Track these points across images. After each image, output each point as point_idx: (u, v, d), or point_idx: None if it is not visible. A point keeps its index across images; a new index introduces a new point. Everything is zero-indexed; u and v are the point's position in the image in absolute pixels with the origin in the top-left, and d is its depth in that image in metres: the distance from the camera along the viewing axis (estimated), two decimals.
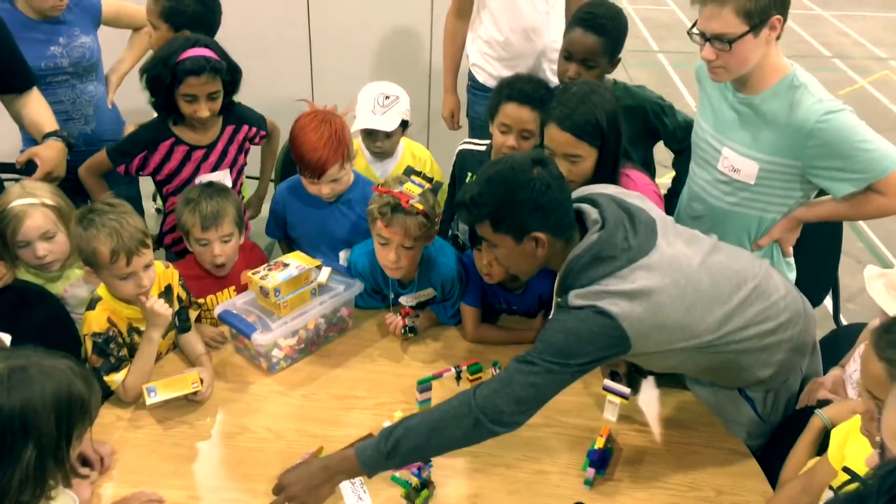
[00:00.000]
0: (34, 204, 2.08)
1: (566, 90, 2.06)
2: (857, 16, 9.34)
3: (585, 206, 1.78)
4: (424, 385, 1.98)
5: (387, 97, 2.52)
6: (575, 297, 1.67)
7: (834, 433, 1.59)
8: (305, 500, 1.65)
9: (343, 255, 2.44)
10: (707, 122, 2.17)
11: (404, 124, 2.60)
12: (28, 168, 2.28)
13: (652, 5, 9.34)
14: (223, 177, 2.50)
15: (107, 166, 2.47)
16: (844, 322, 3.04)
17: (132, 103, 2.88)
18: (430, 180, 2.12)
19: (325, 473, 1.67)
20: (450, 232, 2.63)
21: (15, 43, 2.34)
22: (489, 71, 2.93)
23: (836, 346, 2.22)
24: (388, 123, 2.51)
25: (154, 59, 2.34)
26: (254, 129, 2.59)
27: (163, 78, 2.27)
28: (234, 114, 2.51)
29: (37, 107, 2.41)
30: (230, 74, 2.36)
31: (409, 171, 2.16)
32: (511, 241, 1.72)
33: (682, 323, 1.69)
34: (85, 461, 1.79)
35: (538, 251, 1.72)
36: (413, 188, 2.10)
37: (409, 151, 2.71)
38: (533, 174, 1.67)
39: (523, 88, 2.24)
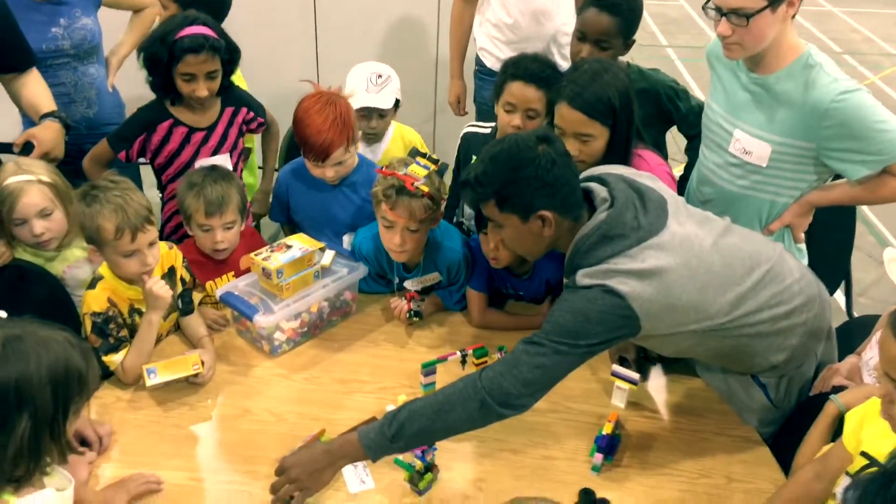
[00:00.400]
0: (30, 181, 2.04)
1: (577, 68, 2.02)
2: (868, 12, 9.27)
3: (594, 185, 1.74)
4: (429, 368, 1.95)
5: (379, 76, 2.50)
6: (583, 277, 1.63)
7: (848, 417, 1.55)
8: (307, 483, 1.61)
9: (347, 239, 2.40)
10: (718, 103, 2.13)
11: (396, 104, 2.56)
12: (25, 149, 2.25)
13: (661, 0, 9.28)
14: (223, 160, 2.46)
15: (109, 155, 2.44)
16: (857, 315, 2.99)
17: (134, 89, 2.84)
18: (435, 162, 2.08)
19: (328, 457, 1.63)
20: (454, 219, 2.59)
21: (15, 21, 2.31)
22: (497, 55, 2.89)
23: (850, 336, 2.17)
24: (385, 101, 2.48)
25: (152, 36, 2.31)
26: (252, 114, 2.55)
27: (161, 56, 2.24)
28: (232, 96, 2.48)
29: (35, 87, 2.38)
30: (229, 53, 2.33)
31: (415, 153, 2.11)
32: (517, 220, 1.68)
33: (694, 304, 1.65)
34: (83, 441, 1.76)
35: (545, 230, 1.68)
36: (418, 170, 2.06)
37: (399, 135, 2.68)
38: (538, 151, 1.64)
39: (529, 67, 2.21)
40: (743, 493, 1.76)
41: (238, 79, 2.70)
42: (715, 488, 1.77)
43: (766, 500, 1.70)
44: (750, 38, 1.89)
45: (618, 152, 2.00)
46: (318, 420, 1.89)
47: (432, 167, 2.07)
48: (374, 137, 2.58)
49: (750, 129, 2.03)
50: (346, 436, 1.67)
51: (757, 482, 1.78)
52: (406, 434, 1.61)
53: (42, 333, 1.30)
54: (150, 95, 2.44)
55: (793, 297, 1.77)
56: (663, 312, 1.63)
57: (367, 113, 2.52)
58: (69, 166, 2.35)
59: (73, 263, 2.17)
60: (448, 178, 2.47)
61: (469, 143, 2.49)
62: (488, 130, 2.46)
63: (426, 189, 2.04)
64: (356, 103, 2.45)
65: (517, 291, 2.31)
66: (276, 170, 2.86)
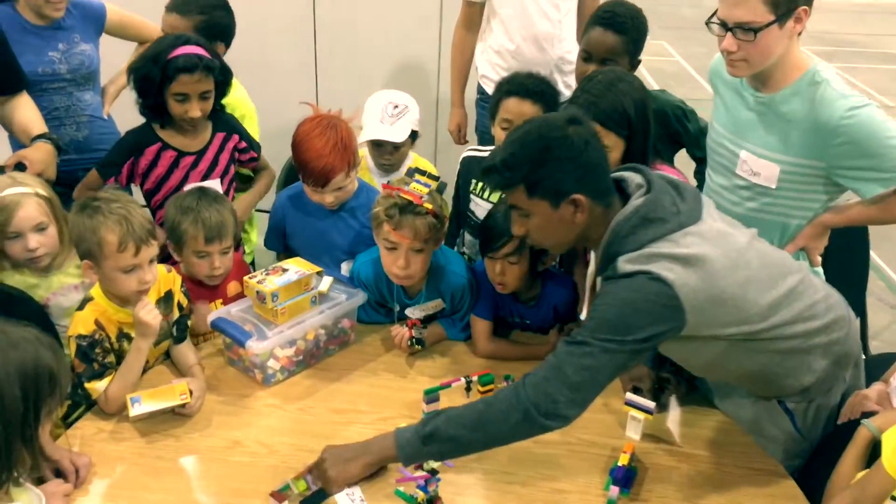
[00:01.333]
0: (27, 194, 1.96)
1: (591, 78, 1.97)
2: (864, 68, 9.38)
3: (627, 174, 1.65)
4: (432, 396, 1.83)
5: (395, 106, 2.44)
6: (625, 263, 1.53)
7: (886, 438, 1.43)
8: (331, 470, 1.59)
9: (345, 267, 2.31)
10: (722, 124, 2.07)
11: (413, 136, 2.51)
12: (17, 171, 2.18)
13: (658, 57, 9.41)
14: (214, 185, 2.38)
15: (99, 183, 2.37)
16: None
17: (132, 120, 2.80)
18: (436, 179, 2.01)
19: (360, 449, 1.62)
20: (455, 249, 2.51)
21: (8, 44, 2.27)
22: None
23: (869, 373, 2.06)
24: (398, 134, 2.42)
25: (143, 57, 2.25)
26: (244, 143, 2.48)
27: (153, 76, 2.18)
28: (223, 121, 2.42)
29: (27, 110, 2.33)
30: (222, 75, 2.28)
31: (413, 171, 2.04)
32: (547, 206, 1.58)
33: (737, 299, 1.56)
34: (58, 472, 1.64)
35: (577, 216, 1.58)
36: (419, 188, 1.99)
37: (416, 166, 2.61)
38: (569, 132, 1.55)
39: (524, 83, 2.19)
40: None
41: (245, 107, 2.65)
42: None
43: None
44: (756, 53, 1.84)
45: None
46: (313, 452, 1.74)
47: (433, 184, 1.99)
48: (390, 168, 2.52)
49: (756, 149, 1.96)
50: (384, 433, 1.61)
51: None
52: (440, 438, 1.54)
53: (9, 331, 1.22)
54: None
55: (825, 311, 1.68)
56: (707, 305, 1.53)
57: (381, 145, 2.45)
58: (62, 195, 2.27)
59: (58, 290, 2.07)
60: (448, 205, 2.37)
61: (468, 169, 2.42)
62: (487, 154, 2.39)
63: (430, 206, 1.96)
64: (369, 134, 2.40)
65: (524, 320, 2.20)
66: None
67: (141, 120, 2.38)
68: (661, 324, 1.52)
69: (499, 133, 2.24)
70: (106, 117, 2.70)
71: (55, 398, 1.26)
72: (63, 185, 2.28)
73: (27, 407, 1.21)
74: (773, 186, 1.95)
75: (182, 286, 2.04)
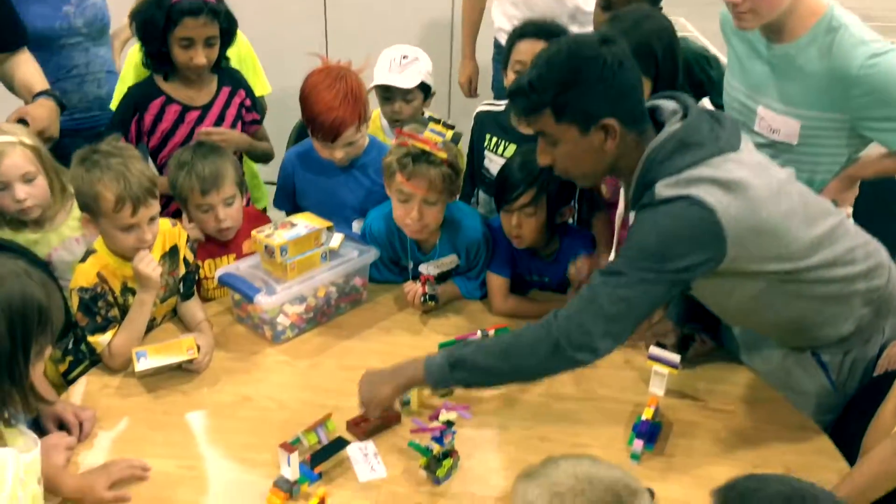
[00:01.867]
0: (12, 143, 1.89)
1: (616, 16, 1.88)
2: None
3: (660, 101, 1.57)
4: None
5: (405, 56, 2.36)
6: (663, 188, 1.45)
7: None
8: (365, 394, 1.59)
9: (357, 225, 2.23)
10: (738, 79, 1.96)
11: (426, 90, 2.43)
12: None
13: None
14: None
15: None
16: None
17: None
18: (450, 127, 1.93)
19: (391, 373, 1.60)
20: None
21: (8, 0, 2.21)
22: None
23: None
24: (407, 81, 2.34)
25: (146, 1, 2.18)
26: (249, 101, 2.40)
27: (156, 20, 2.10)
28: (229, 74, 2.34)
29: (28, 67, 2.26)
30: (227, 22, 2.19)
31: (427, 120, 1.96)
32: (576, 132, 1.48)
33: (779, 231, 1.48)
34: (61, 425, 1.59)
35: (607, 143, 1.49)
36: (433, 137, 1.91)
37: None
38: (601, 51, 1.45)
39: (535, 23, 2.12)
40: None
41: (252, 62, 2.57)
42: None
43: (831, 488, 1.49)
44: (763, 3, 1.72)
45: None
46: (324, 407, 1.68)
47: (448, 133, 1.92)
48: (398, 126, 2.42)
49: (774, 104, 1.86)
50: (415, 358, 1.59)
51: (819, 472, 1.56)
52: (467, 365, 1.50)
53: None
54: None
55: (866, 257, 1.60)
56: (749, 236, 1.44)
57: (390, 95, 2.36)
58: (63, 148, 2.22)
59: (59, 245, 2.01)
60: (464, 156, 2.29)
61: (482, 123, 2.34)
62: (502, 107, 2.32)
63: (444, 155, 1.89)
64: (377, 80, 2.31)
65: (542, 277, 2.13)
66: None
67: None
68: (701, 252, 1.44)
69: (512, 79, 2.16)
70: (118, 70, 2.63)
71: (46, 335, 1.20)
72: (67, 142, 2.23)
73: (14, 345, 1.15)
74: (795, 143, 1.85)
75: (188, 241, 1.98)
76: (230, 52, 2.38)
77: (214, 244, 2.14)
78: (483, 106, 2.39)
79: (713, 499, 1.07)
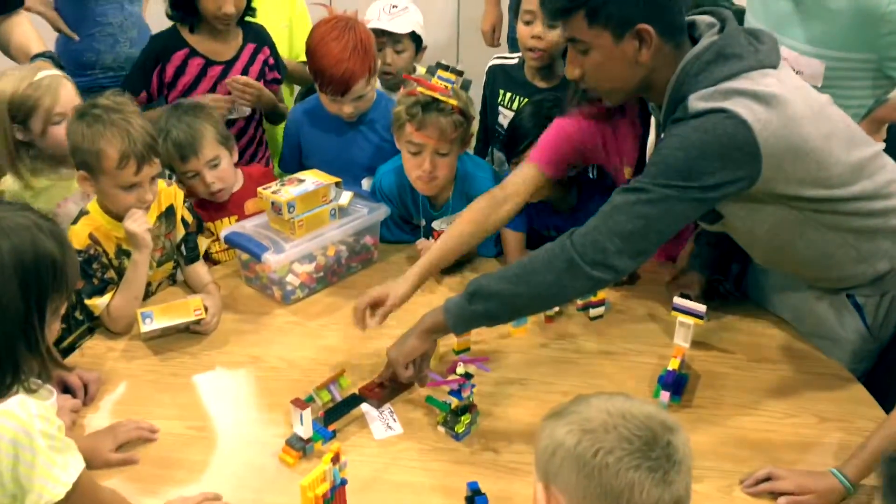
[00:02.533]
0: (62, 76, 1.86)
1: None
2: None
3: (696, 17, 1.47)
4: None
5: (394, 6, 2.28)
6: (697, 100, 1.36)
7: None
8: (392, 351, 1.52)
9: (366, 183, 2.17)
10: (758, 19, 1.87)
11: (417, 42, 2.33)
12: None
13: None
14: (241, 107, 2.23)
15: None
16: None
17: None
18: (459, 73, 1.85)
19: (413, 327, 1.53)
20: None
21: None
22: None
23: None
24: (398, 27, 2.26)
25: None
26: (273, 60, 2.31)
27: None
28: (254, 31, 2.25)
29: (25, 28, 2.20)
30: None
31: (436, 67, 1.88)
32: (609, 39, 1.39)
33: (819, 153, 1.39)
34: (66, 388, 1.53)
35: (642, 54, 1.39)
36: (442, 84, 1.83)
37: None
38: None
39: None
40: (840, 433, 1.49)
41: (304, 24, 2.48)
42: (805, 428, 1.50)
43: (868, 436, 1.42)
44: None
45: None
46: (335, 367, 1.62)
47: (456, 79, 1.84)
48: (391, 78, 2.34)
49: (797, 45, 1.76)
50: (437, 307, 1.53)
51: (854, 420, 1.51)
52: (484, 294, 1.44)
53: (1, 216, 1.08)
54: None
55: None
56: (787, 155, 1.36)
57: (380, 45, 2.27)
58: None
59: (69, 197, 1.93)
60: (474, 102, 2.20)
61: (495, 77, 2.26)
62: (515, 61, 2.23)
63: (454, 102, 1.81)
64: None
65: (560, 233, 2.05)
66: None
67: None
68: (732, 169, 1.35)
69: (522, 30, 2.07)
70: (147, 20, 2.57)
71: (61, 293, 1.12)
72: None
73: (28, 305, 1.07)
74: (819, 85, 1.76)
75: (186, 202, 1.91)
76: (281, 13, 2.29)
77: (211, 206, 2.06)
78: (495, 60, 2.30)
79: (882, 467, 0.98)
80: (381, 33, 2.25)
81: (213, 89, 2.21)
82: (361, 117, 2.14)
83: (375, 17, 2.28)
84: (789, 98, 1.35)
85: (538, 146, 1.78)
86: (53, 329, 1.15)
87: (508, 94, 2.24)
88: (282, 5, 2.35)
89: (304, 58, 2.20)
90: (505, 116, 2.25)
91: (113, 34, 2.45)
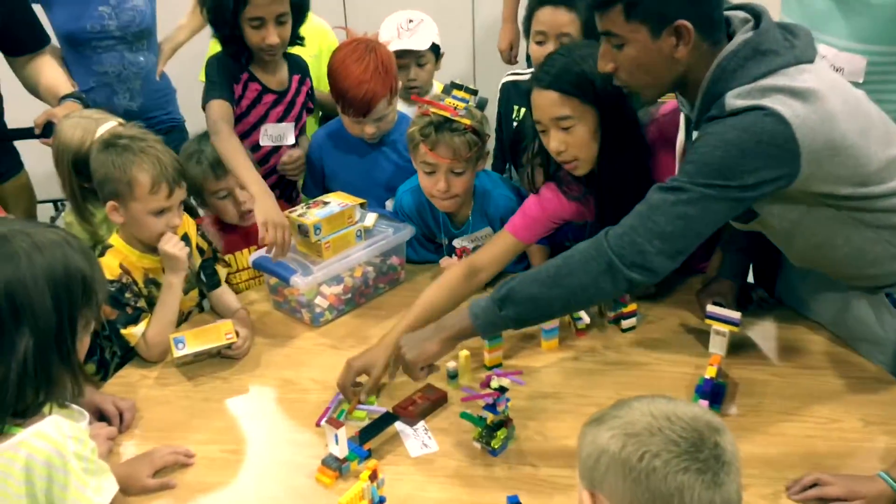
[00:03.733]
0: (121, 125, 1.87)
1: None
2: None
3: (730, 12, 1.46)
4: None
5: (410, 21, 2.30)
6: (734, 98, 1.34)
7: None
8: (409, 354, 1.51)
9: (390, 204, 2.17)
10: (795, 18, 1.86)
11: (436, 51, 2.35)
12: (46, 130, 2.08)
13: None
14: (286, 130, 2.22)
15: (227, 108, 2.04)
16: None
17: (186, 76, 2.59)
18: (473, 92, 1.86)
19: (435, 328, 1.52)
20: None
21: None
22: None
23: None
24: (420, 43, 2.27)
25: None
26: (310, 89, 2.27)
27: (226, 2, 1.98)
28: (295, 62, 2.25)
29: (53, 69, 2.22)
30: None
31: (451, 87, 1.89)
32: (646, 34, 1.37)
33: (857, 149, 1.37)
34: (101, 416, 1.54)
35: (679, 50, 1.38)
36: (456, 103, 1.84)
37: None
38: None
39: None
40: (886, 436, 1.46)
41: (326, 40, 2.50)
42: (850, 432, 1.47)
43: None
44: None
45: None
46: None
47: (471, 98, 1.84)
48: (418, 91, 2.34)
49: (837, 41, 1.75)
50: (459, 308, 1.54)
51: None
52: (516, 299, 1.42)
53: (32, 233, 1.09)
54: (201, 86, 2.19)
55: None
56: (825, 152, 1.34)
57: (404, 63, 2.27)
58: None
59: None
60: (490, 122, 2.20)
61: (509, 94, 2.26)
62: (528, 76, 2.24)
63: (468, 122, 1.81)
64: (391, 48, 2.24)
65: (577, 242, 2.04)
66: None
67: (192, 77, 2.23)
68: (772, 168, 1.33)
69: (535, 50, 2.07)
70: (158, 78, 2.52)
71: (91, 307, 1.14)
72: None
73: (61, 318, 1.09)
74: (861, 80, 1.74)
75: (199, 230, 1.93)
76: (312, 44, 2.30)
77: (237, 236, 2.07)
78: (508, 76, 2.31)
79: None
80: (403, 53, 2.26)
81: (265, 116, 2.20)
82: (383, 138, 2.15)
83: (394, 35, 2.29)
84: (826, 93, 1.34)
85: (519, 219, 1.80)
86: (84, 343, 1.17)
87: (523, 110, 2.24)
88: (313, 36, 2.37)
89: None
90: None
91: (109, 84, 2.42)
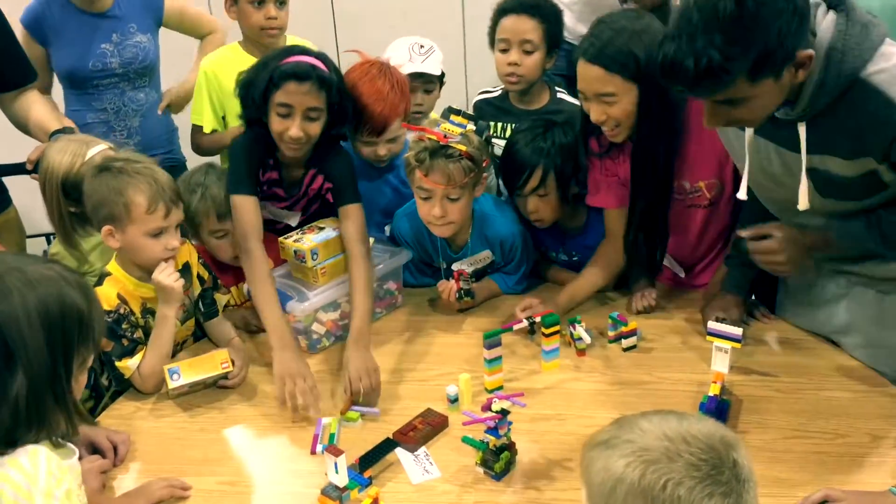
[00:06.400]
0: (111, 149, 1.87)
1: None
2: None
3: None
4: (492, 340, 1.64)
5: (422, 46, 2.30)
6: (875, 72, 1.29)
7: None
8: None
9: (388, 229, 2.15)
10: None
11: (441, 80, 2.36)
12: (38, 167, 2.06)
13: None
14: (290, 216, 2.07)
15: (254, 203, 1.87)
16: None
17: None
18: (471, 118, 1.85)
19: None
20: None
21: (12, 31, 2.14)
22: (565, 23, 2.40)
23: None
24: (433, 67, 2.28)
25: (255, 63, 1.93)
26: (327, 185, 2.01)
27: (259, 82, 1.82)
28: (318, 156, 1.95)
29: (42, 105, 2.19)
30: (339, 96, 1.85)
31: (448, 112, 1.88)
32: (771, 82, 1.29)
33: None
34: (94, 450, 1.50)
35: (799, 74, 1.30)
36: (452, 129, 1.83)
37: None
38: None
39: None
40: None
41: None
42: (858, 447, 1.44)
43: None
44: None
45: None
46: (368, 415, 1.60)
47: (468, 124, 1.83)
48: (422, 117, 2.34)
49: None
50: None
51: None
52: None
53: (27, 268, 1.06)
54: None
55: None
56: None
57: (413, 86, 2.24)
58: None
59: None
60: (487, 148, 2.19)
61: (483, 112, 2.27)
62: (498, 92, 2.27)
63: (463, 148, 1.81)
64: (404, 71, 2.23)
65: (571, 257, 2.05)
66: None
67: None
68: None
69: (499, 58, 2.11)
70: (160, 114, 2.51)
71: (88, 345, 1.10)
72: None
73: (55, 357, 1.05)
74: None
75: (200, 259, 1.90)
76: None
77: (229, 276, 2.02)
78: (479, 96, 2.35)
79: None
80: (414, 77, 2.25)
81: (271, 197, 2.03)
82: (389, 162, 2.12)
83: (406, 59, 2.28)
84: None
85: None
86: (80, 382, 1.13)
87: (500, 124, 2.26)
88: None
89: None
90: (499, 146, 2.22)
91: (107, 121, 2.41)
